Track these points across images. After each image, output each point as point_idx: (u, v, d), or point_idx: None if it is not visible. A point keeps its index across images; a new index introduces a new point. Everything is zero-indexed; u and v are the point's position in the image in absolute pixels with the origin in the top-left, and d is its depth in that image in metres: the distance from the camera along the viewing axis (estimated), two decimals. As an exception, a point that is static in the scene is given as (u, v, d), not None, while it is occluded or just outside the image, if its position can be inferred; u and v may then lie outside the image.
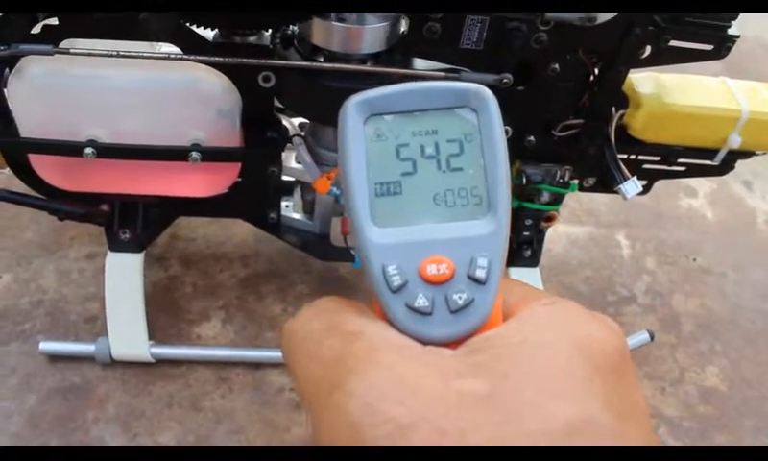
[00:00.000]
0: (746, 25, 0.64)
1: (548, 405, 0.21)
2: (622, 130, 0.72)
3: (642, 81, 0.71)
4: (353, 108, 0.27)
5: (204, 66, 0.61)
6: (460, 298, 0.24)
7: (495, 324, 0.25)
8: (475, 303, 0.25)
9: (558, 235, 1.00)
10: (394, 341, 0.24)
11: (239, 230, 0.92)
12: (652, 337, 0.85)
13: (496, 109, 0.27)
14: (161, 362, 0.76)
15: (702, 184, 1.13)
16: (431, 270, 0.25)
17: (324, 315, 0.26)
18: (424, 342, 0.24)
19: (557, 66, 0.63)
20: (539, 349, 0.23)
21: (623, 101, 0.71)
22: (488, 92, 0.27)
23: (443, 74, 0.61)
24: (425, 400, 0.21)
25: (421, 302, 0.25)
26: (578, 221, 1.04)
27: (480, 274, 0.25)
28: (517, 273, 0.82)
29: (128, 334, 0.74)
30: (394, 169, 0.27)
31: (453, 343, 0.24)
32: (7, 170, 0.88)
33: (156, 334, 0.78)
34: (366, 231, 0.26)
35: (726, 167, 0.77)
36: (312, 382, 0.24)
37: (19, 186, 0.72)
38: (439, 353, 0.24)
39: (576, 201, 1.05)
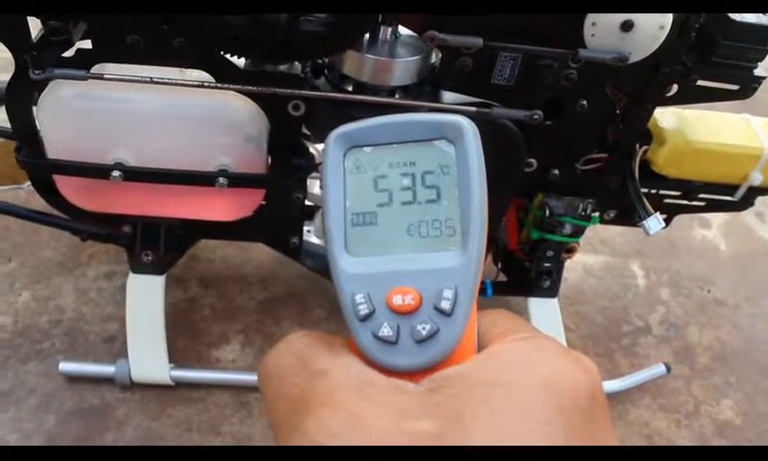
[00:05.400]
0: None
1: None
2: (645, 165, 0.73)
3: (666, 117, 0.72)
4: (334, 140, 0.28)
5: (231, 92, 0.61)
6: (424, 329, 0.25)
7: (466, 356, 0.25)
8: (440, 335, 0.25)
9: (574, 264, 1.00)
10: (356, 378, 0.24)
11: (257, 252, 0.93)
12: (668, 369, 0.85)
13: (474, 142, 0.27)
14: (180, 385, 0.76)
15: (715, 216, 1.13)
16: (397, 300, 0.25)
17: (294, 352, 0.26)
18: (390, 371, 0.24)
19: (585, 102, 0.63)
20: (499, 388, 0.23)
21: (647, 137, 0.71)
22: (466, 125, 0.27)
23: (461, 108, 0.62)
24: (374, 441, 0.21)
25: (386, 331, 0.25)
26: (593, 250, 1.04)
27: (445, 305, 0.25)
28: (536, 303, 0.82)
29: (148, 357, 0.74)
30: (370, 200, 0.27)
31: (419, 373, 0.24)
32: (26, 185, 0.88)
33: (174, 357, 0.77)
34: (338, 261, 0.26)
35: (745, 203, 0.78)
36: (277, 419, 0.25)
37: (38, 202, 0.72)
38: (400, 390, 0.24)
39: (591, 229, 1.04)
